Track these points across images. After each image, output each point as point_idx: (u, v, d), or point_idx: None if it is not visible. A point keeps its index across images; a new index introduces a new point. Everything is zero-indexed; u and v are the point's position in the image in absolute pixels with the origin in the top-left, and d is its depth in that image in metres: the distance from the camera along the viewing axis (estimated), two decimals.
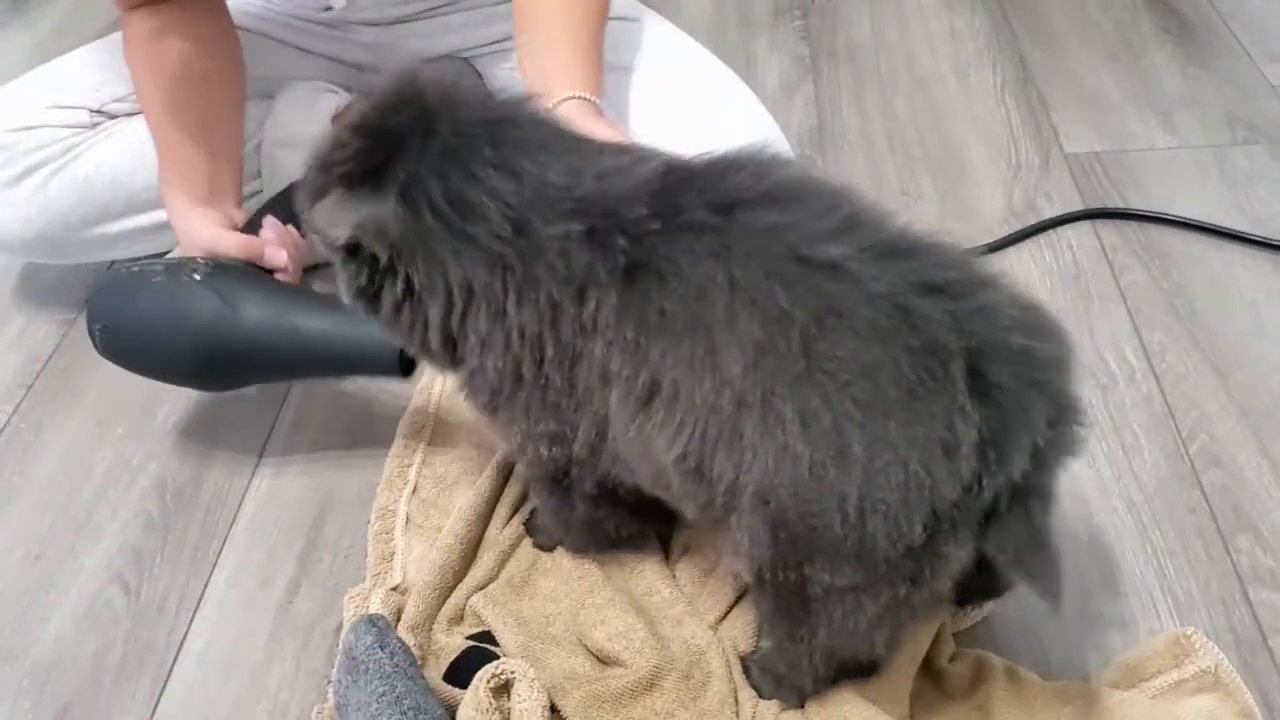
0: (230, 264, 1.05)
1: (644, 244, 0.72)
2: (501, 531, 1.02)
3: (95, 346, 1.05)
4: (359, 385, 1.21)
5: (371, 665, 0.81)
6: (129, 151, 1.22)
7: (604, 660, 0.90)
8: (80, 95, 1.25)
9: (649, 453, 0.76)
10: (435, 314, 0.79)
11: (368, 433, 1.15)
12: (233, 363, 1.02)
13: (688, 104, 1.22)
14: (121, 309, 1.03)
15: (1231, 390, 1.11)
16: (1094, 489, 1.03)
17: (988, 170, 1.45)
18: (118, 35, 1.31)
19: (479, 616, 0.95)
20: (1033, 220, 1.35)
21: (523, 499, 1.05)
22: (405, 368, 1.00)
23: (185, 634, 0.99)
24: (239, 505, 1.09)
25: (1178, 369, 1.14)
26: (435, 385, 1.18)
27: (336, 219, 0.78)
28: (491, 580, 0.99)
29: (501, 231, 0.74)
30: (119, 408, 1.21)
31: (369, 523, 1.05)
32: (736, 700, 0.87)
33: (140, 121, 1.23)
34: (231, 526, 1.08)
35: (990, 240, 1.31)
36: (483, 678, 0.83)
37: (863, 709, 0.82)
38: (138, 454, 1.16)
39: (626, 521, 0.93)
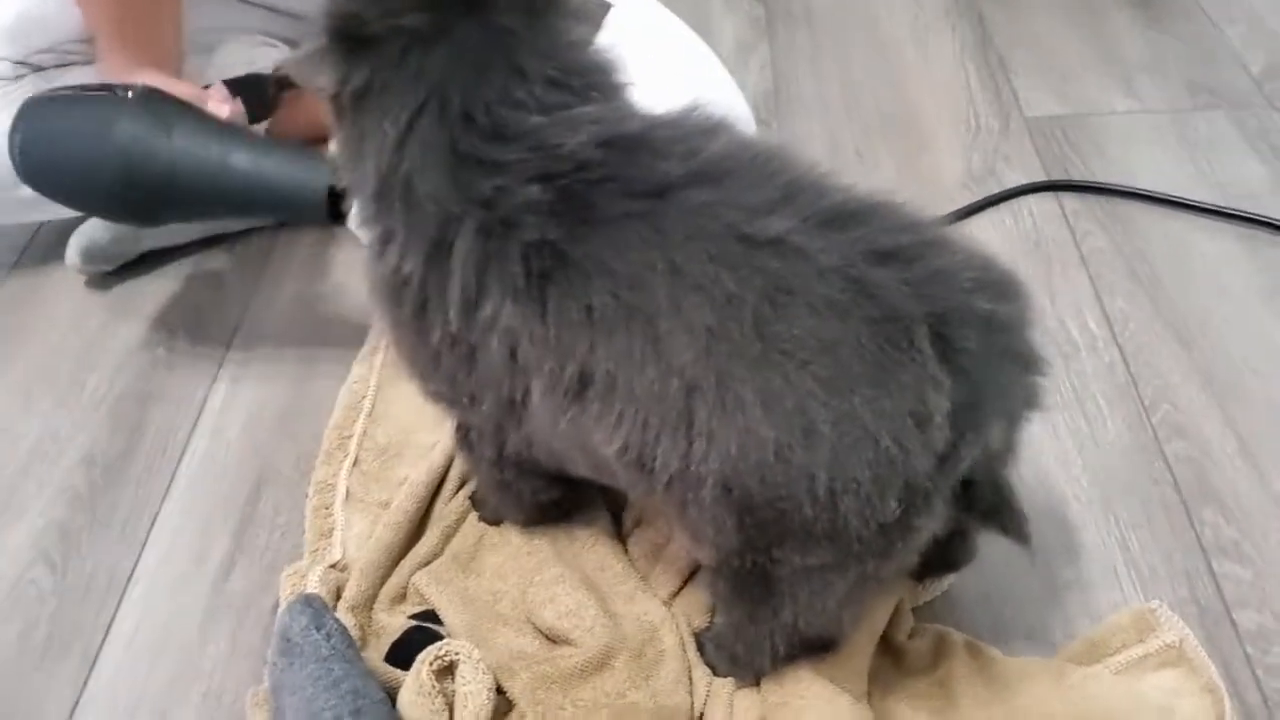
0: (168, 95, 1.00)
1: (552, 251, 0.68)
2: (448, 504, 0.98)
3: (15, 166, 1.00)
4: (299, 349, 1.16)
5: (307, 647, 0.77)
6: None
7: (553, 639, 0.87)
8: (3, 47, 1.18)
9: (587, 445, 0.73)
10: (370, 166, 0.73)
11: (307, 402, 1.11)
12: (155, 187, 0.97)
13: (649, 67, 1.18)
14: (47, 119, 0.99)
15: (1195, 358, 1.10)
16: (1056, 460, 1.01)
17: (947, 135, 1.42)
18: None
19: (422, 595, 0.91)
20: (992, 185, 1.32)
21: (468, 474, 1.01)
22: (334, 213, 0.96)
23: (114, 615, 0.94)
24: (171, 478, 1.05)
25: (1140, 337, 1.12)
26: (381, 351, 1.13)
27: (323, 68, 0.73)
28: (436, 556, 0.95)
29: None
30: (46, 377, 1.16)
31: (307, 497, 1.01)
32: (690, 678, 0.84)
33: (69, 74, 1.17)
34: (163, 501, 1.03)
35: (951, 208, 1.28)
36: (425, 659, 0.79)
37: (819, 686, 0.79)
38: (65, 425, 1.11)
39: (541, 488, 0.89)
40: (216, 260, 1.29)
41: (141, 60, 1.08)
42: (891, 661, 0.86)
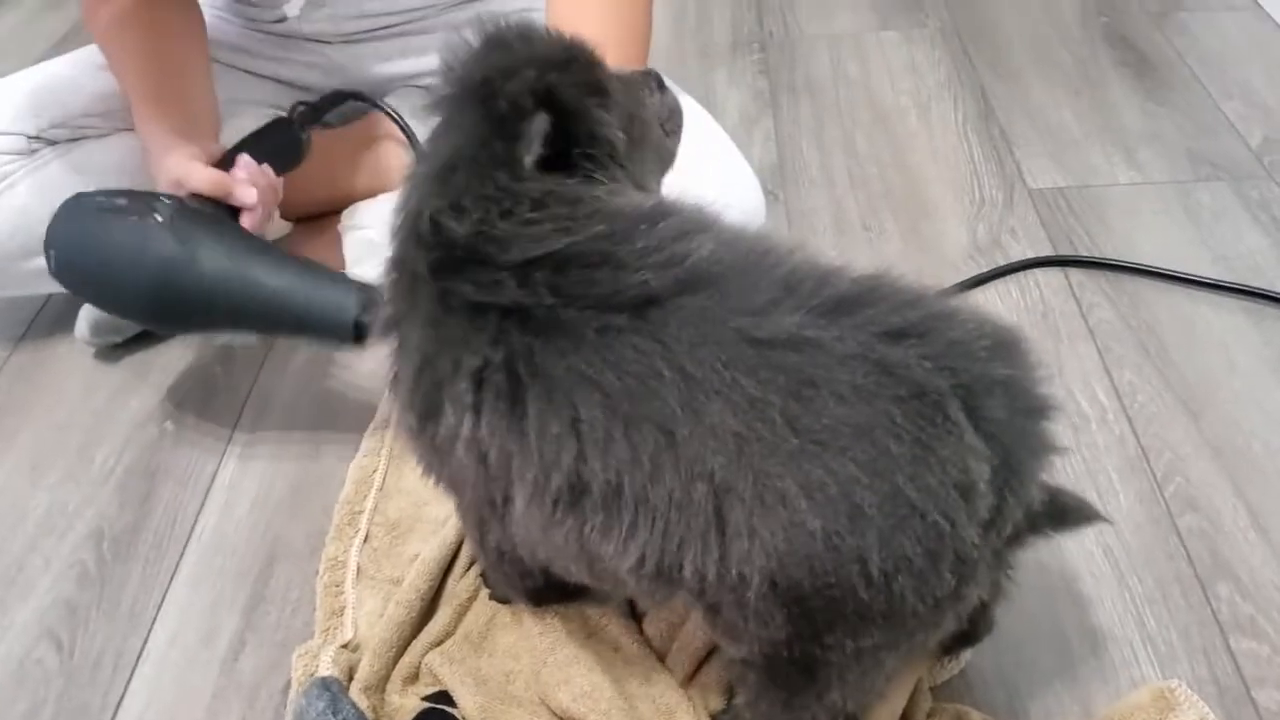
0: (196, 207, 1.03)
1: (512, 372, 0.68)
2: (459, 582, 0.97)
3: (50, 270, 1.04)
4: (309, 422, 1.16)
5: None
6: (68, 182, 1.17)
7: None
8: (17, 121, 1.20)
9: (589, 557, 0.72)
10: None
11: (317, 476, 1.10)
12: (186, 308, 1.01)
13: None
14: (79, 237, 1.02)
15: (1204, 431, 1.10)
16: (1069, 534, 1.00)
17: (951, 206, 1.43)
18: (54, 60, 1.27)
19: (435, 675, 0.90)
20: (998, 256, 1.33)
21: None
22: (359, 335, 0.98)
23: (122, 695, 0.93)
24: (180, 555, 1.04)
25: (1149, 409, 1.13)
26: (390, 429, 1.13)
27: None
28: (449, 635, 0.94)
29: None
30: (54, 450, 1.16)
31: (318, 574, 1.00)
32: None
33: (82, 149, 1.18)
34: (172, 578, 1.02)
35: (958, 280, 1.29)
36: None
37: None
38: (74, 500, 1.10)
39: (532, 577, 0.87)
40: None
41: (176, 129, 1.09)
42: None
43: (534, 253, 0.69)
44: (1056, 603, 0.95)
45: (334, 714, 0.77)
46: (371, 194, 1.30)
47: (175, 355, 1.26)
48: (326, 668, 0.89)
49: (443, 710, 0.87)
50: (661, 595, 0.72)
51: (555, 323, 0.68)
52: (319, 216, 1.33)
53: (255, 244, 1.03)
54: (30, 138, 1.19)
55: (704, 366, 0.66)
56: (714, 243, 0.71)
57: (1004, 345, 0.68)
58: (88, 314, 1.23)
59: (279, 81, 1.32)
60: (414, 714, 0.86)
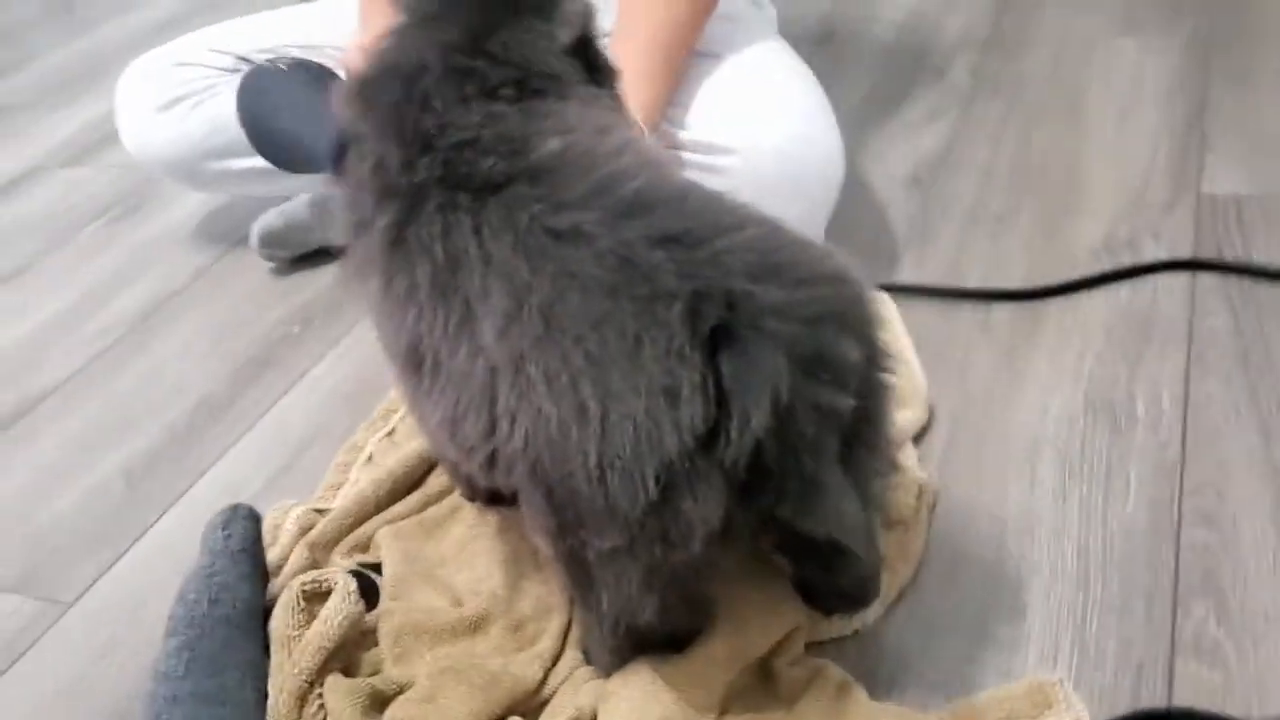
0: (315, 64, 1.24)
1: (392, 230, 0.76)
2: (437, 478, 1.05)
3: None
4: None
5: (208, 544, 0.87)
6: None
7: (457, 602, 0.91)
8: (235, 44, 1.41)
9: (422, 418, 0.78)
10: None
11: (385, 382, 1.22)
12: (262, 135, 1.25)
13: (743, 101, 1.21)
14: (244, 90, 1.28)
15: (1272, 453, 0.96)
16: (1049, 526, 0.92)
17: (1101, 204, 1.32)
18: (287, 7, 1.49)
19: (379, 546, 0.98)
20: (1125, 257, 1.22)
21: None
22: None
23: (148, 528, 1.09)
24: (249, 429, 1.19)
25: (1215, 421, 1.00)
26: None
27: None
28: (408, 516, 1.02)
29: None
30: (207, 334, 1.36)
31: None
32: (555, 661, 0.85)
33: None
34: (233, 446, 1.17)
35: (1071, 276, 1.20)
36: (303, 579, 0.87)
37: (644, 682, 0.78)
38: (199, 374, 1.29)
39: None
40: None
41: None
42: (762, 683, 0.83)
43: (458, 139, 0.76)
44: (996, 588, 0.88)
45: (222, 528, 0.87)
46: None
47: (324, 279, 1.43)
48: (293, 522, 1.00)
49: (365, 574, 0.95)
50: (467, 466, 0.77)
51: (424, 196, 0.75)
52: None
53: (319, 91, 1.18)
54: (238, 57, 1.40)
55: (501, 247, 0.71)
56: (564, 142, 0.75)
57: (779, 268, 0.67)
58: (257, 226, 1.42)
59: None
60: (342, 570, 0.95)
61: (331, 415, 1.19)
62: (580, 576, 0.75)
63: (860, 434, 0.71)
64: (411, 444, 1.09)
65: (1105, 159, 1.41)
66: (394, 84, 0.80)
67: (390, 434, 1.13)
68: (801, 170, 1.15)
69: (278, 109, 1.23)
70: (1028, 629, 0.84)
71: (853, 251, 1.20)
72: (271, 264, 1.47)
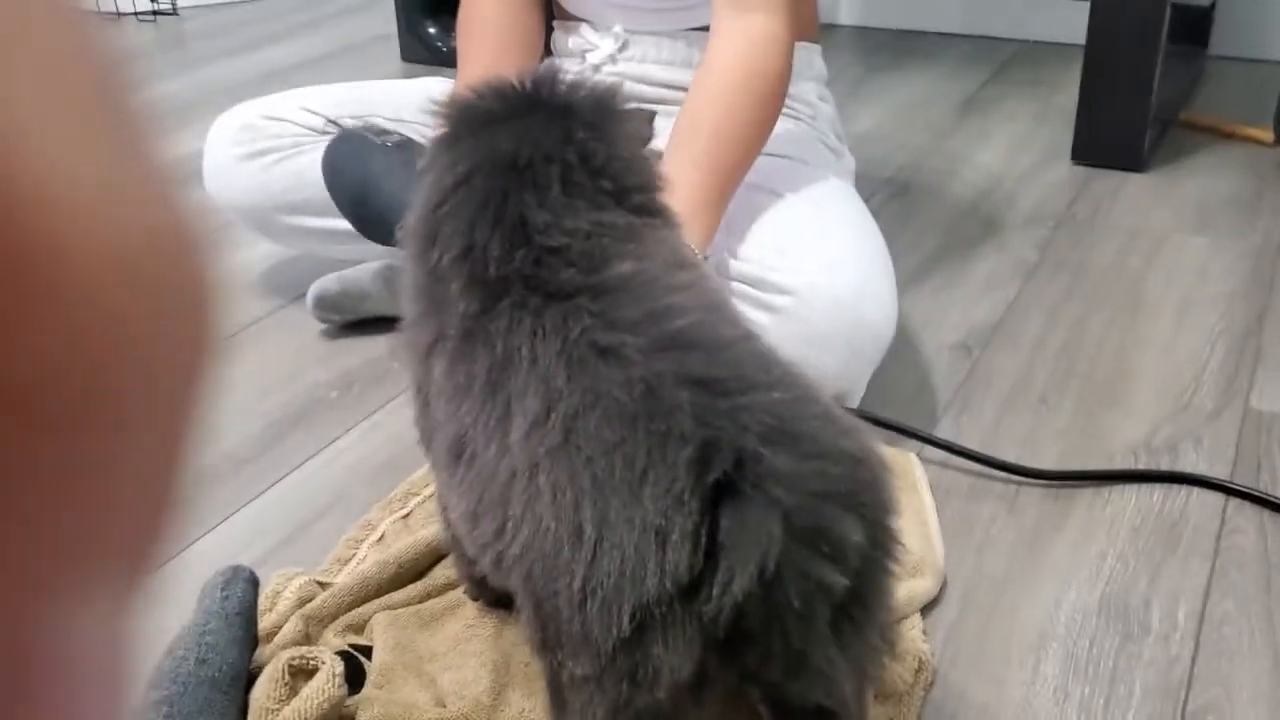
0: (415, 146, 1.25)
1: (477, 318, 0.77)
2: (444, 570, 1.05)
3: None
4: None
5: (205, 602, 0.87)
6: None
7: (440, 703, 0.91)
8: (327, 107, 1.46)
9: (450, 508, 0.79)
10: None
11: (412, 458, 1.23)
12: (369, 216, 1.28)
13: (802, 242, 1.22)
14: (332, 151, 1.32)
15: None
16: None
17: (1147, 403, 1.32)
18: (386, 81, 1.55)
19: (372, 631, 0.99)
20: (1164, 460, 1.21)
21: None
22: None
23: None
24: (270, 486, 1.21)
25: (1230, 643, 0.98)
26: None
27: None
28: (406, 605, 1.02)
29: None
30: (251, 387, 1.38)
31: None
32: None
33: None
34: (257, 498, 1.19)
35: (1099, 468, 1.19)
36: (291, 654, 0.87)
37: None
38: (235, 425, 1.31)
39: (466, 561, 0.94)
40: None
41: None
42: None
43: (556, 243, 0.78)
44: None
45: (221, 589, 0.88)
46: None
47: (371, 349, 1.46)
48: (293, 591, 1.00)
49: (354, 655, 0.95)
50: (486, 557, 0.77)
51: (504, 291, 0.77)
52: None
53: None
54: (329, 120, 1.45)
55: (548, 352, 0.72)
56: (636, 267, 0.77)
57: (797, 438, 0.67)
58: (314, 289, 1.46)
59: None
60: (332, 650, 0.95)
61: (352, 487, 1.20)
62: (555, 697, 0.74)
63: (852, 613, 0.70)
64: (424, 531, 1.10)
65: (1157, 356, 1.41)
66: (508, 172, 0.80)
67: (406, 517, 1.14)
68: (855, 322, 1.16)
69: (366, 175, 1.27)
70: None
71: (890, 409, 1.24)
72: (324, 325, 1.50)
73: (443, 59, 2.49)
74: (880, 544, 0.70)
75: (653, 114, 0.90)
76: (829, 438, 0.69)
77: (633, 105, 0.89)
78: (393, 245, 1.29)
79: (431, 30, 2.50)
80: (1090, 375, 1.38)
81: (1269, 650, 0.97)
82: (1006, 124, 2.19)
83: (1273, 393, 1.33)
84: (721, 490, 0.64)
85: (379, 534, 1.11)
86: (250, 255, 1.67)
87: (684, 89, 1.38)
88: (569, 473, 0.67)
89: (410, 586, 1.03)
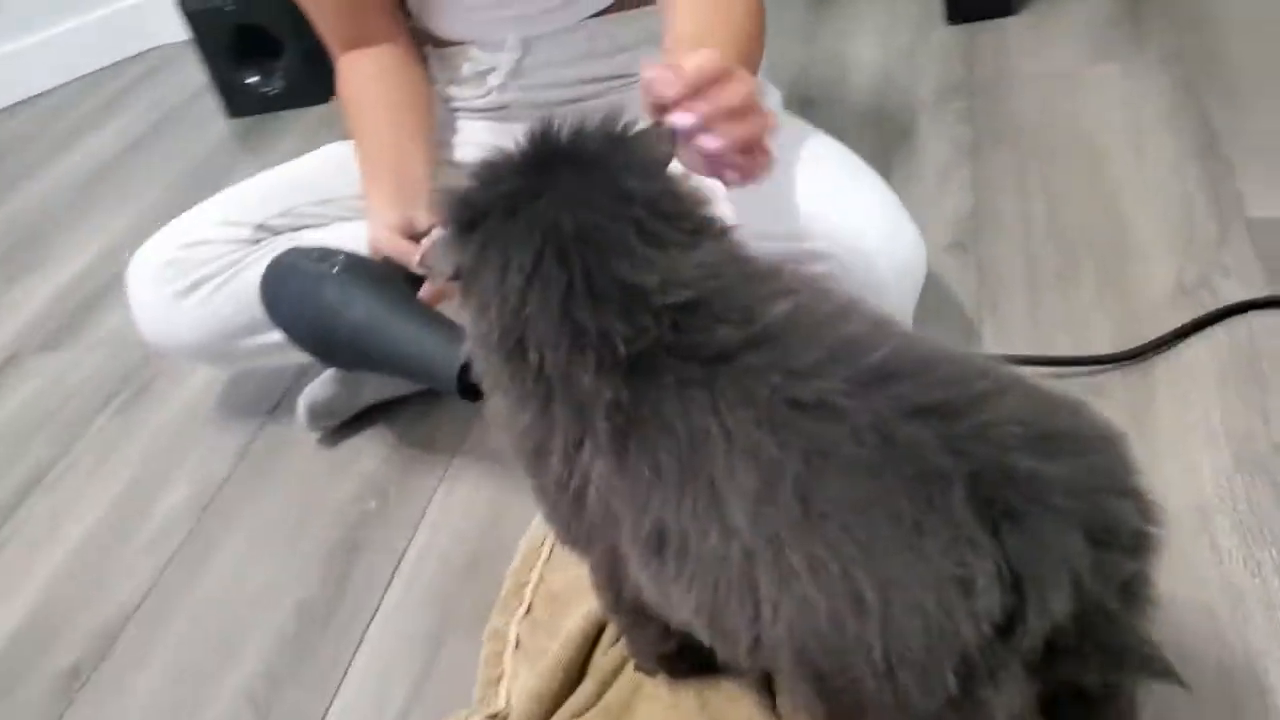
0: (374, 264, 1.15)
1: (624, 410, 0.71)
2: (606, 655, 1.00)
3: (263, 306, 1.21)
4: (493, 498, 1.23)
5: None
6: None
7: None
8: (246, 212, 1.34)
9: (669, 602, 0.73)
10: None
11: (494, 547, 1.16)
12: (337, 349, 1.15)
13: (822, 201, 1.18)
14: (273, 283, 1.19)
15: None
16: (1256, 599, 0.91)
17: (1156, 246, 1.34)
18: (287, 164, 1.43)
19: None
20: (1206, 298, 1.23)
21: None
22: (466, 391, 1.02)
23: None
24: (366, 626, 1.12)
25: None
26: None
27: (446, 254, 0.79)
28: (590, 708, 0.96)
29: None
30: (277, 528, 1.28)
31: (482, 644, 1.06)
32: None
33: (302, 237, 1.31)
34: (357, 649, 1.10)
35: (1161, 328, 1.20)
36: None
37: None
38: (285, 575, 1.21)
39: (660, 639, 0.89)
40: (429, 418, 1.38)
41: (388, 195, 1.19)
42: None
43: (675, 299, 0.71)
44: (1224, 680, 0.87)
45: None
46: None
47: (382, 441, 1.36)
48: None
49: None
50: (728, 653, 0.72)
51: (654, 368, 0.71)
52: None
53: (403, 307, 1.11)
54: (256, 226, 1.33)
55: (742, 423, 0.67)
56: (792, 304, 0.72)
57: (1055, 437, 0.64)
58: (304, 400, 1.36)
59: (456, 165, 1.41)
60: None
61: (450, 598, 1.13)
62: None
63: (1138, 590, 0.68)
64: (565, 623, 1.04)
65: (1140, 196, 1.43)
66: (579, 245, 0.72)
67: (529, 612, 1.07)
68: (898, 265, 1.13)
69: (321, 311, 1.13)
70: None
71: (935, 330, 1.23)
72: (317, 435, 1.39)
73: (270, 103, 2.34)
74: (1149, 517, 0.68)
75: (669, 131, 0.84)
76: (1075, 427, 0.66)
77: (640, 124, 0.83)
78: (369, 370, 1.26)
79: (252, 79, 2.33)
80: (1090, 238, 1.39)
81: None
82: (864, 6, 2.18)
83: (1262, 199, 1.37)
84: (1002, 516, 0.61)
85: (513, 640, 1.05)
86: (195, 385, 1.54)
87: (598, 80, 1.32)
88: (825, 544, 0.62)
89: (583, 687, 0.97)
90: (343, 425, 1.39)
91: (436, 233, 0.82)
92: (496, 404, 0.81)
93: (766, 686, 0.93)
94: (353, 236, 1.26)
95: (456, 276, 0.79)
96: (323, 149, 1.44)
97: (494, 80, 1.33)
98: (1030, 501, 0.61)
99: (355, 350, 1.12)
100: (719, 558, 0.68)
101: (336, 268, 1.13)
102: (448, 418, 1.37)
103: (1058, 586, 0.60)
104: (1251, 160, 1.44)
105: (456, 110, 1.40)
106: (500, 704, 0.99)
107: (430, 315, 1.11)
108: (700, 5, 1.09)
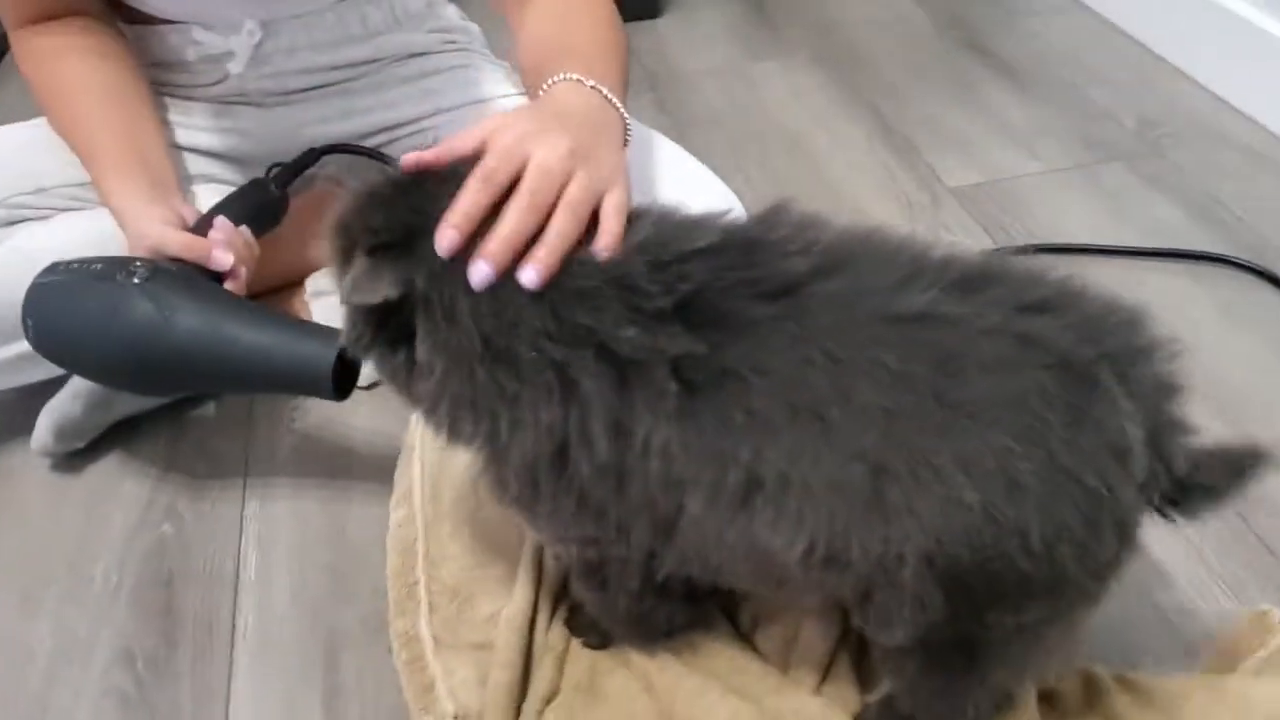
0: (172, 268, 0.97)
1: (700, 363, 0.68)
2: (549, 634, 0.94)
3: (28, 341, 0.98)
4: (318, 504, 1.10)
5: None
6: (15, 265, 1.05)
7: None
8: None
9: (755, 552, 0.71)
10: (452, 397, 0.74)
11: (349, 557, 1.04)
12: (165, 370, 0.95)
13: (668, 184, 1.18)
14: (55, 303, 0.96)
15: None
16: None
17: (882, 211, 1.49)
18: None
19: None
20: None
21: (558, 599, 0.97)
22: (340, 390, 0.93)
23: None
24: (230, 661, 0.96)
25: None
26: (415, 493, 1.07)
27: (378, 279, 0.72)
28: (556, 690, 0.90)
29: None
30: (40, 576, 1.05)
31: (391, 652, 0.94)
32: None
33: (24, 231, 1.10)
34: (229, 686, 0.94)
35: None
36: None
37: None
38: (82, 624, 1.00)
39: (680, 610, 0.87)
40: (195, 424, 1.21)
41: (144, 193, 1.04)
42: (1048, 707, 0.87)
43: (689, 247, 0.69)
44: None
45: None
46: None
47: (144, 457, 1.17)
48: None
49: None
50: (831, 584, 0.71)
51: (718, 316, 0.68)
52: (279, 289, 1.26)
53: (231, 302, 0.97)
54: None
55: (848, 347, 0.66)
56: (836, 230, 0.73)
57: (1135, 320, 0.71)
58: (49, 420, 1.13)
59: (202, 153, 1.25)
60: None
61: (326, 616, 1.00)
62: (958, 660, 0.74)
63: None
64: (483, 611, 0.95)
65: (848, 171, 1.58)
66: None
67: (432, 610, 0.97)
68: None
69: (139, 333, 0.94)
70: (1176, 582, 0.97)
71: None
72: (49, 461, 1.16)
73: None
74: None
75: None
76: (1115, 302, 0.72)
77: None
78: (202, 389, 1.13)
79: None
80: (822, 206, 1.49)
81: None
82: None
83: (950, 170, 1.56)
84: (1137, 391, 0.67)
85: (429, 639, 0.94)
86: None
87: (352, 65, 1.23)
88: (977, 439, 0.65)
89: (542, 669, 0.90)
90: (84, 449, 1.17)
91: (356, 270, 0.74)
92: (471, 430, 0.75)
93: (737, 633, 0.92)
94: (86, 233, 1.08)
95: (402, 299, 0.73)
96: (11, 128, 1.21)
97: (235, 68, 1.18)
98: (1151, 375, 0.67)
99: (188, 367, 0.94)
100: (835, 485, 0.67)
101: (137, 278, 0.94)
102: (214, 429, 1.20)
103: (1180, 444, 0.68)
104: (924, 142, 1.64)
105: (166, 94, 1.23)
106: (448, 705, 0.89)
107: (272, 313, 0.98)
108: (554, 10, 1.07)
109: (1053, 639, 0.73)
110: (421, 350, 0.74)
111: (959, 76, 1.81)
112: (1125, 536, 0.67)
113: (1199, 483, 0.69)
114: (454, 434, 0.77)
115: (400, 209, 0.74)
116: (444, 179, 0.75)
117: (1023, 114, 1.68)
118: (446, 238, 0.72)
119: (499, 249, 0.71)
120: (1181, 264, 1.34)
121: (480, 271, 0.71)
